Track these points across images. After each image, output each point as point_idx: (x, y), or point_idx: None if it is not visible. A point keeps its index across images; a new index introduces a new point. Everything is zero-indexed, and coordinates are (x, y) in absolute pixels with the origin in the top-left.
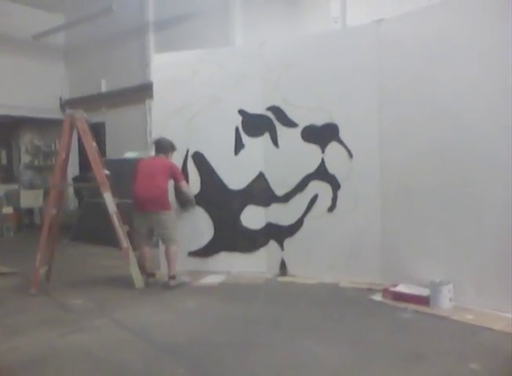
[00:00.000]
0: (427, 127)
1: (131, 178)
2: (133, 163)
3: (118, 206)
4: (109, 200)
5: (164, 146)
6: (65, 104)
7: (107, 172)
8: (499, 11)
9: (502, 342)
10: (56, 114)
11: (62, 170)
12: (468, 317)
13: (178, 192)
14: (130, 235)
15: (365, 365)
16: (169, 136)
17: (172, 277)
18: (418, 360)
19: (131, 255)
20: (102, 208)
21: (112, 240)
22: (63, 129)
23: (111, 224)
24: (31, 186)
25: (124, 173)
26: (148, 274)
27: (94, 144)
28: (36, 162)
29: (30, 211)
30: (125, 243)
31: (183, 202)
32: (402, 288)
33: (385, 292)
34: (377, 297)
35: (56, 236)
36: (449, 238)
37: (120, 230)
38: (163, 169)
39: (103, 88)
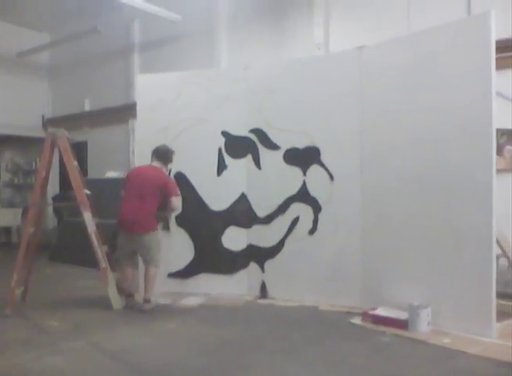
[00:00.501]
0: (406, 153)
1: (117, 191)
2: (115, 183)
3: (98, 226)
4: (89, 219)
5: (162, 154)
6: (47, 122)
7: (87, 192)
8: (476, 40)
9: (478, 366)
10: (38, 133)
11: (42, 188)
12: (445, 341)
13: (164, 205)
14: (109, 255)
15: None
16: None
17: (147, 300)
18: None
19: (110, 276)
20: (82, 228)
21: (90, 261)
22: (44, 147)
23: (90, 244)
24: (10, 205)
25: (105, 193)
26: (127, 295)
27: (75, 163)
28: (16, 180)
29: (7, 230)
30: (103, 263)
31: (160, 217)
32: (380, 312)
33: (364, 315)
34: (357, 320)
35: (34, 256)
36: (428, 262)
37: (99, 250)
38: (155, 186)
39: (87, 108)
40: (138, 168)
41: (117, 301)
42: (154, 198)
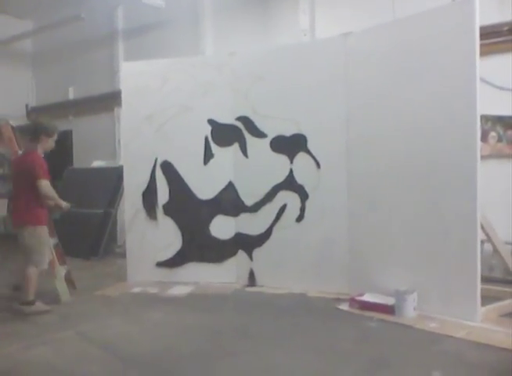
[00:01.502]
0: (392, 140)
1: (103, 181)
2: (100, 172)
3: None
4: None
5: (31, 133)
6: (31, 111)
7: None
8: (460, 26)
9: (463, 350)
10: (22, 122)
11: None
12: (432, 326)
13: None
14: (58, 248)
15: (331, 373)
16: (138, 145)
17: (26, 303)
18: (382, 369)
19: (57, 269)
20: (69, 218)
21: (79, 251)
22: None
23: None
24: None
25: (91, 182)
26: (14, 286)
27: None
28: (1, 171)
29: None
30: (51, 256)
31: (51, 207)
32: (367, 297)
33: (352, 301)
34: (344, 306)
35: None
36: (415, 248)
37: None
38: (26, 171)
39: (71, 96)
40: (17, 157)
41: (65, 293)
42: (26, 183)
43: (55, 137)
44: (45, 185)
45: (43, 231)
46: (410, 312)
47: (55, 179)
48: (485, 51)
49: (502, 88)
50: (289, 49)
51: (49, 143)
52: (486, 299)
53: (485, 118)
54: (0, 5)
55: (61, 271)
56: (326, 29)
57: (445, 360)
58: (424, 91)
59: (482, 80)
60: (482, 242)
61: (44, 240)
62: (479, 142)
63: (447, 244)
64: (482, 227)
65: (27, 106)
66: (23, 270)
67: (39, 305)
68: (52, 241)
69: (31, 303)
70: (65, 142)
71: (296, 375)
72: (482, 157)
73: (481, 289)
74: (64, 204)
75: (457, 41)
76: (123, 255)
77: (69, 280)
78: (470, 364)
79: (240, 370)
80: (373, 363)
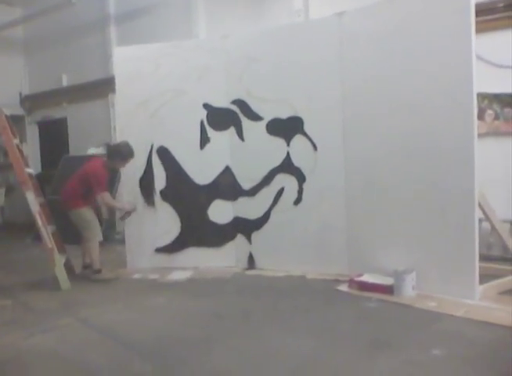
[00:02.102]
0: (389, 120)
1: None
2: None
3: (43, 205)
4: (32, 199)
5: (109, 150)
6: (25, 99)
7: (30, 171)
8: (456, 3)
9: (463, 328)
10: (16, 110)
11: None
12: (431, 305)
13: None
14: (56, 235)
15: (331, 354)
16: (133, 131)
17: (95, 271)
18: (382, 348)
19: (56, 257)
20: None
21: (76, 238)
22: None
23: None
24: None
25: None
26: (83, 265)
27: (16, 141)
28: None
29: None
30: (49, 243)
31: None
32: (366, 278)
33: (351, 282)
34: (343, 287)
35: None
36: (413, 228)
37: (44, 230)
38: (84, 175)
39: (64, 83)
40: (87, 162)
41: (64, 281)
42: (77, 181)
43: (130, 161)
44: (106, 197)
45: (86, 211)
46: (409, 292)
47: (52, 167)
48: (481, 28)
49: (498, 66)
50: (283, 30)
51: (122, 165)
52: (485, 277)
53: (482, 96)
54: None
55: (60, 259)
56: (320, 9)
57: (445, 339)
58: (420, 69)
59: (478, 57)
60: (480, 220)
61: (89, 218)
62: (476, 121)
63: (445, 223)
64: (480, 205)
65: (20, 94)
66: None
67: (105, 274)
68: (49, 229)
69: (98, 271)
70: (60, 129)
71: (296, 356)
72: (479, 135)
73: (480, 267)
74: (128, 205)
75: (453, 18)
76: (122, 242)
77: (68, 268)
78: (470, 342)
79: (241, 353)
80: (372, 342)
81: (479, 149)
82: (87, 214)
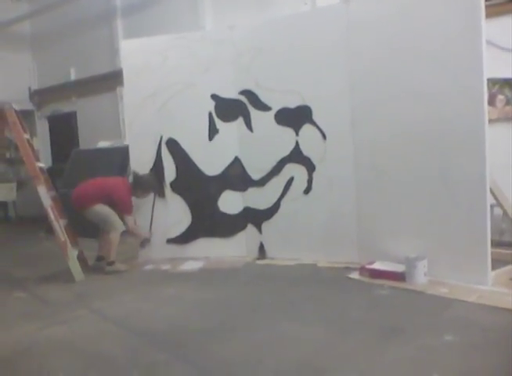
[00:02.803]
0: (398, 106)
1: (110, 161)
2: (106, 152)
3: (55, 199)
4: (43, 193)
5: (135, 179)
6: (34, 94)
7: (41, 165)
8: None
9: (475, 314)
10: (26, 105)
11: None
12: (443, 291)
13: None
14: (68, 228)
15: (344, 341)
16: (142, 123)
17: (109, 263)
18: (395, 335)
19: (69, 249)
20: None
21: (88, 231)
22: None
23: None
24: (4, 180)
25: (97, 163)
26: (97, 257)
27: (26, 136)
28: (8, 155)
29: (3, 205)
30: (62, 237)
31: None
32: (378, 265)
33: (362, 270)
34: (354, 275)
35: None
36: (424, 214)
37: (57, 224)
38: (108, 190)
39: (73, 77)
40: (111, 178)
41: (78, 273)
42: (100, 194)
43: (150, 193)
44: (131, 221)
45: (101, 206)
46: (421, 279)
47: (62, 161)
48: (491, 12)
49: (509, 50)
50: (290, 19)
51: (143, 196)
52: (496, 263)
53: (492, 81)
54: None
55: (73, 251)
56: None
57: (457, 324)
58: (429, 55)
59: (488, 42)
60: (492, 206)
61: (106, 211)
62: (486, 106)
63: (456, 209)
64: (491, 191)
65: (29, 89)
66: (104, 242)
67: (118, 265)
68: (62, 222)
69: (112, 263)
70: (70, 123)
71: (309, 344)
72: (490, 121)
73: (492, 253)
74: (147, 233)
75: (462, 2)
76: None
77: (82, 260)
78: (483, 328)
79: (253, 342)
80: (385, 329)
81: (490, 134)
82: (103, 208)
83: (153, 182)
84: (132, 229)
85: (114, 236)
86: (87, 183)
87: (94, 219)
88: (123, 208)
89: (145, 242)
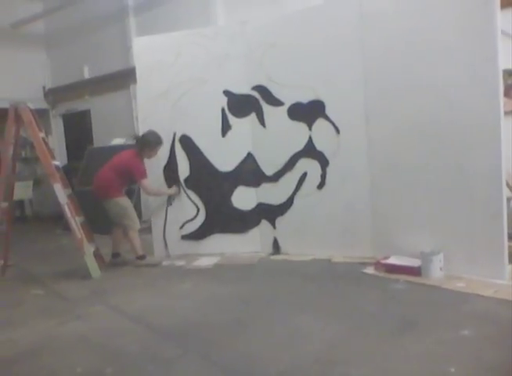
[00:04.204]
0: (412, 99)
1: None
2: (120, 149)
3: (71, 197)
4: (60, 191)
5: (137, 142)
6: (49, 93)
7: (57, 163)
8: None
9: (492, 308)
10: (41, 104)
11: (12, 162)
12: (459, 285)
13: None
14: (85, 225)
15: (360, 336)
16: (155, 120)
17: (139, 257)
18: (411, 329)
19: (86, 246)
20: (93, 197)
21: (104, 228)
22: (8, 121)
23: (102, 211)
24: (20, 178)
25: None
26: (112, 254)
27: (41, 135)
28: (24, 153)
29: (20, 204)
30: (79, 234)
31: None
32: (393, 260)
33: (377, 265)
34: (370, 270)
35: (10, 230)
36: (439, 208)
37: (73, 221)
38: (121, 165)
39: (86, 75)
40: (121, 151)
41: (95, 270)
42: (112, 170)
43: (159, 148)
44: (147, 184)
45: (124, 200)
46: (437, 273)
47: (77, 159)
48: (505, 3)
49: None
50: (302, 14)
51: (153, 153)
52: None
53: (508, 73)
54: None
55: (90, 248)
56: None
57: (474, 319)
58: (443, 47)
59: (503, 33)
60: (508, 199)
61: (127, 206)
62: (502, 98)
63: (472, 202)
64: (507, 184)
65: (44, 88)
66: (118, 238)
67: (150, 259)
68: (78, 220)
69: (143, 257)
70: (84, 121)
71: (325, 338)
72: (506, 113)
73: (509, 247)
74: (171, 191)
75: None
76: (149, 230)
77: (98, 256)
78: (500, 322)
79: (269, 337)
80: (401, 323)
81: (505, 127)
82: (125, 202)
83: (154, 137)
84: (155, 191)
85: (132, 235)
86: (104, 168)
87: (113, 212)
88: (138, 175)
89: (171, 200)
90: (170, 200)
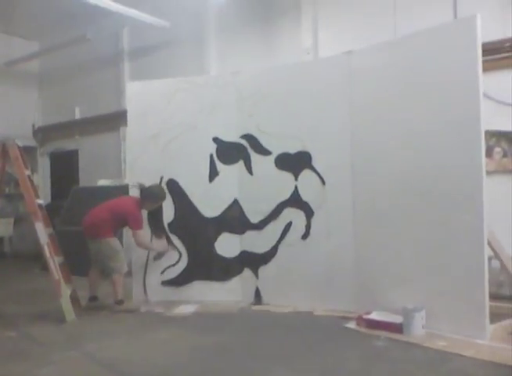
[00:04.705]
0: (396, 156)
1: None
2: (106, 191)
3: (52, 236)
4: (41, 230)
5: (142, 192)
6: (38, 131)
7: (40, 202)
8: (463, 43)
9: (473, 369)
10: (29, 142)
11: None
12: (440, 344)
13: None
14: (63, 266)
15: None
16: (144, 163)
17: (117, 302)
18: None
19: (63, 288)
20: (75, 237)
21: (84, 270)
22: None
23: (83, 252)
24: (2, 215)
25: (96, 201)
26: (89, 298)
27: (27, 172)
28: (7, 190)
29: (0, 240)
30: (56, 275)
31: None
32: (375, 316)
33: (359, 320)
34: (351, 325)
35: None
36: (423, 265)
37: (52, 262)
38: (118, 210)
39: (77, 116)
40: (118, 198)
41: (70, 313)
42: (108, 212)
43: (161, 203)
44: (141, 236)
45: (115, 241)
46: (419, 330)
47: (61, 198)
48: (488, 67)
49: (505, 104)
50: (292, 68)
51: (153, 206)
52: (495, 316)
53: (490, 134)
54: (7, 27)
55: (66, 290)
56: (329, 47)
57: None
58: (428, 106)
59: (485, 95)
60: (490, 258)
61: (118, 248)
62: (484, 158)
63: (454, 260)
64: (489, 243)
65: (33, 125)
66: (95, 280)
67: (128, 305)
68: (57, 260)
69: (121, 302)
70: (71, 161)
71: None
72: (488, 173)
73: (490, 306)
74: (161, 247)
75: (460, 57)
76: (129, 274)
77: (74, 299)
78: None
79: None
80: None
81: (488, 186)
82: (116, 244)
83: (160, 192)
84: (145, 244)
85: (118, 278)
86: (96, 209)
87: (101, 253)
88: (134, 224)
89: (158, 255)
90: (158, 256)
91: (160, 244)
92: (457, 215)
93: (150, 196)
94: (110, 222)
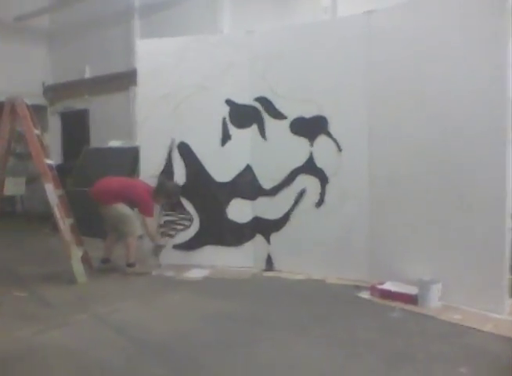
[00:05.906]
0: (416, 122)
1: (120, 160)
2: (117, 151)
3: (62, 197)
4: (50, 191)
5: (157, 186)
6: (48, 89)
7: (50, 162)
8: (487, 6)
9: (489, 344)
10: (39, 100)
11: (2, 158)
12: (456, 317)
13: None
14: (74, 228)
15: (350, 366)
16: (154, 123)
17: (129, 265)
18: (405, 362)
19: (73, 250)
20: (87, 198)
21: (95, 230)
22: (3, 115)
23: (94, 213)
24: (14, 173)
25: (107, 162)
26: (102, 259)
27: (36, 131)
28: (18, 149)
29: (11, 199)
30: (67, 236)
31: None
32: (389, 286)
33: (373, 290)
34: (364, 294)
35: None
36: (439, 237)
37: (62, 223)
38: (130, 190)
39: (87, 74)
40: (134, 179)
41: (81, 275)
42: (122, 193)
43: (171, 201)
44: (150, 224)
45: (124, 206)
46: (434, 303)
47: (73, 159)
48: None
49: None
50: (309, 28)
51: (165, 201)
52: None
53: None
54: None
55: (77, 252)
56: (348, 7)
57: (472, 355)
58: (451, 72)
59: None
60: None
61: (128, 212)
62: (510, 126)
63: (473, 232)
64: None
65: (43, 83)
66: (111, 244)
67: (139, 267)
68: (68, 222)
69: (132, 265)
70: (82, 121)
71: (316, 366)
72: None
73: (509, 279)
74: (163, 241)
75: (486, 19)
76: (140, 237)
77: (86, 261)
78: (497, 360)
79: (256, 361)
80: (395, 355)
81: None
82: (125, 209)
83: (177, 191)
84: (151, 233)
85: (131, 241)
86: (110, 179)
87: (113, 218)
88: (145, 209)
89: (158, 249)
90: (156, 250)
91: (162, 238)
92: (478, 185)
93: (165, 192)
94: (119, 197)
